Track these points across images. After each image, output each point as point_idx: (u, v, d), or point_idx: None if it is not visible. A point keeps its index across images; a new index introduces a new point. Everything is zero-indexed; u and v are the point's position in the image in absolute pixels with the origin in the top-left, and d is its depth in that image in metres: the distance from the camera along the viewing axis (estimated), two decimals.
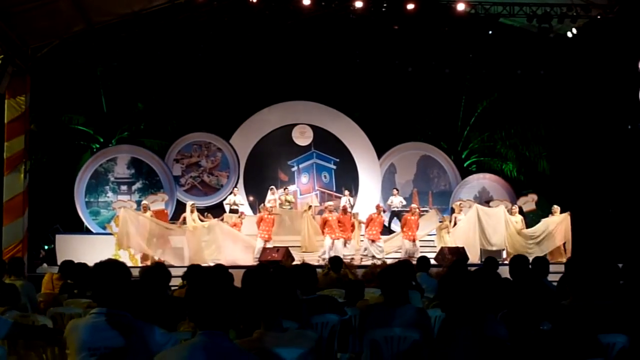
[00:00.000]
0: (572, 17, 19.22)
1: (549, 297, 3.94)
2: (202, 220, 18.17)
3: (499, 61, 22.92)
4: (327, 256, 16.95)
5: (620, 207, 20.84)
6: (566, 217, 18.27)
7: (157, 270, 6.41)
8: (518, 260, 6.68)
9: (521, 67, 23.00)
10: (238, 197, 20.40)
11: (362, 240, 18.73)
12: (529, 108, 23.50)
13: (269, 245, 17.47)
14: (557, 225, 18.21)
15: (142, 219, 17.35)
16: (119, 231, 17.35)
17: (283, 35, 21.41)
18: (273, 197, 20.38)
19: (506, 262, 15.55)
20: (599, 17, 19.39)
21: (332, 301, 6.45)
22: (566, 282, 4.51)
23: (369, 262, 16.14)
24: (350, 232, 18.26)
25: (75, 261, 9.82)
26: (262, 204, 19.87)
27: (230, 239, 17.79)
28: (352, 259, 17.35)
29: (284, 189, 21.37)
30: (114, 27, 18.09)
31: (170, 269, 6.54)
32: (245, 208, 20.92)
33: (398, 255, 18.20)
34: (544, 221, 18.64)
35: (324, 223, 17.94)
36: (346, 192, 20.80)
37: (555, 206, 18.65)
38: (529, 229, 18.64)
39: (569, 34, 20.17)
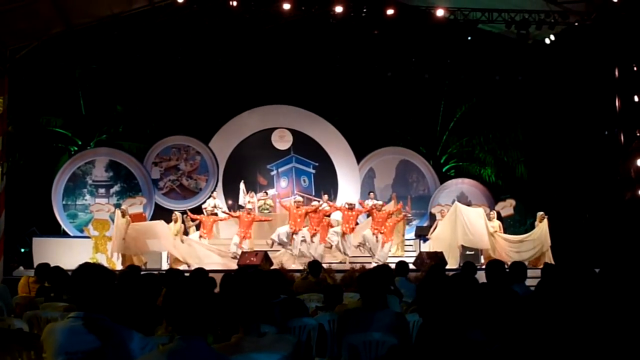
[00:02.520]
0: (550, 24, 19.37)
1: (515, 303, 3.95)
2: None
3: (478, 67, 23.07)
4: (276, 239, 17.40)
5: (597, 212, 21.00)
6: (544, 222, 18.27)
7: (147, 280, 6.38)
8: (493, 265, 6.71)
9: (500, 72, 23.16)
10: (217, 201, 20.38)
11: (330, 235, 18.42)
12: (507, 113, 23.63)
13: (246, 249, 17.43)
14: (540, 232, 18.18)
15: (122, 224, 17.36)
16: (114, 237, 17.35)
17: (263, 39, 21.42)
18: (252, 199, 20.36)
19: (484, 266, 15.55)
20: (576, 23, 19.56)
21: (299, 304, 6.53)
22: (543, 287, 4.55)
23: (347, 267, 16.14)
24: (316, 228, 17.92)
25: (52, 264, 9.73)
26: (242, 207, 19.85)
27: (204, 250, 17.75)
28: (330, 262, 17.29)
29: (264, 193, 21.34)
30: (93, 29, 18.01)
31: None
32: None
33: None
34: (531, 234, 18.51)
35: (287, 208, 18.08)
36: (324, 197, 20.73)
37: (540, 213, 18.59)
38: (515, 236, 18.65)
39: (547, 40, 20.32)
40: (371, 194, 21.22)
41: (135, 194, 21.05)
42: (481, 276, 7.08)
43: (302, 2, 18.94)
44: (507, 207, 20.34)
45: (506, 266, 7.72)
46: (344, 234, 17.83)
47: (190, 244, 17.68)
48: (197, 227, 18.87)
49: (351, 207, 18.18)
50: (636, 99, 19.45)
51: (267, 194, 21.39)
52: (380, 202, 18.96)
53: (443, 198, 22.72)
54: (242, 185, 21.06)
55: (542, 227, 18.16)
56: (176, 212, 18.92)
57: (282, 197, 22.88)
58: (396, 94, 23.53)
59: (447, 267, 15.51)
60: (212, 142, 22.81)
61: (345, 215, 18.08)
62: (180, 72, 22.36)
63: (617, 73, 20.33)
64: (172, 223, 18.31)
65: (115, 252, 17.32)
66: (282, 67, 22.58)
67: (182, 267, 15.76)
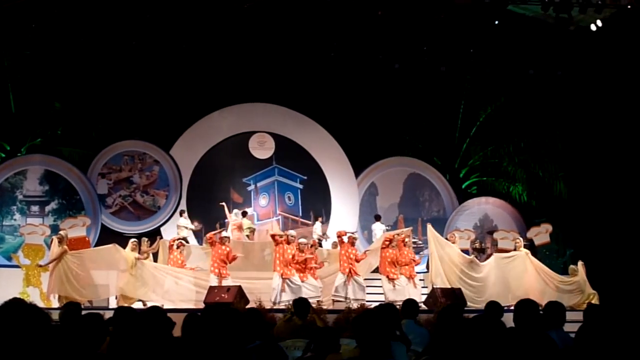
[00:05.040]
0: (596, 6, 19.46)
1: (553, 353, 3.96)
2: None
3: (507, 58, 23.12)
4: (278, 299, 16.80)
5: None
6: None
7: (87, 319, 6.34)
8: (524, 306, 6.70)
9: (534, 65, 23.22)
10: (183, 220, 20.28)
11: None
12: (543, 116, 23.66)
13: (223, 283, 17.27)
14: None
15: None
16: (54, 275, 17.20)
17: (238, 21, 21.38)
18: (237, 219, 20.30)
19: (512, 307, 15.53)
20: (628, 6, 19.65)
21: (278, 351, 6.53)
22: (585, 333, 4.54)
23: (342, 307, 16.04)
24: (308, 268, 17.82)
25: None
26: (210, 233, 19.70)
27: (171, 278, 17.64)
28: (320, 301, 17.17)
29: (242, 212, 21.07)
30: (26, 6, 17.98)
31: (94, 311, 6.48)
32: (189, 235, 20.70)
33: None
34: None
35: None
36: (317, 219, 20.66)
37: (573, 266, 18.63)
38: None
39: (593, 27, 20.41)
40: (378, 217, 21.20)
41: (77, 212, 20.97)
42: (508, 319, 7.07)
43: None
44: (542, 233, 20.34)
45: (540, 308, 7.71)
46: (348, 277, 17.53)
47: (156, 274, 17.51)
48: (155, 259, 18.69)
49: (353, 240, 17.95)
50: None
51: (247, 213, 21.21)
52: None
53: (462, 221, 22.74)
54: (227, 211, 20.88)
55: (580, 275, 18.16)
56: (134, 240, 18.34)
57: (261, 218, 22.85)
58: (405, 91, 23.56)
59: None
60: (174, 149, 22.79)
61: (346, 252, 17.69)
62: (135, 60, 22.29)
63: None
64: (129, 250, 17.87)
65: (52, 293, 17.17)
66: (262, 55, 22.55)
67: (136, 305, 15.69)
